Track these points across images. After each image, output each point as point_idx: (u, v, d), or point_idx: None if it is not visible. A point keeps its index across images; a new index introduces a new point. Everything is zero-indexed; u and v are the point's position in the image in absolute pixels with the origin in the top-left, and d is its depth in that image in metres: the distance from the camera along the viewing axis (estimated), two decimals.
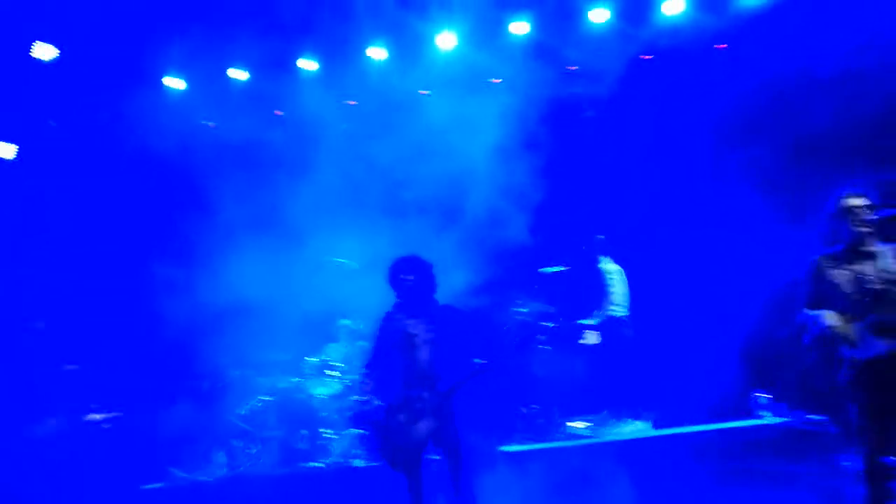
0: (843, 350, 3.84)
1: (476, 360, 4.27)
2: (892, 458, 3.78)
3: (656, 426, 6.88)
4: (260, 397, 7.11)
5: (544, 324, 6.82)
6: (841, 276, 3.92)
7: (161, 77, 7.94)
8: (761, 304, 7.06)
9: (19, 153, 7.41)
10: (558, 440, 6.61)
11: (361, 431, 6.65)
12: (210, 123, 8.06)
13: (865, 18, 6.82)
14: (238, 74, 8.05)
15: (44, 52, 7.03)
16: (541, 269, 7.33)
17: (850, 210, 3.91)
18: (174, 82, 8.00)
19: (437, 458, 4.38)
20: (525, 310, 6.73)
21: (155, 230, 7.94)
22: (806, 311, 4.06)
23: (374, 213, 7.21)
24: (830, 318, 3.89)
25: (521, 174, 6.99)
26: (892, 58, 6.59)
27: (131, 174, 7.88)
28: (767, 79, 7.31)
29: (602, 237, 7.23)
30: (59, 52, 7.08)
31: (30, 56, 6.97)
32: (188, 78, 8.03)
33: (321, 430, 6.82)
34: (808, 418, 5.65)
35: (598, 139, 7.81)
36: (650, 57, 7.76)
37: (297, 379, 7.13)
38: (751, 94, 7.40)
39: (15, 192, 7.59)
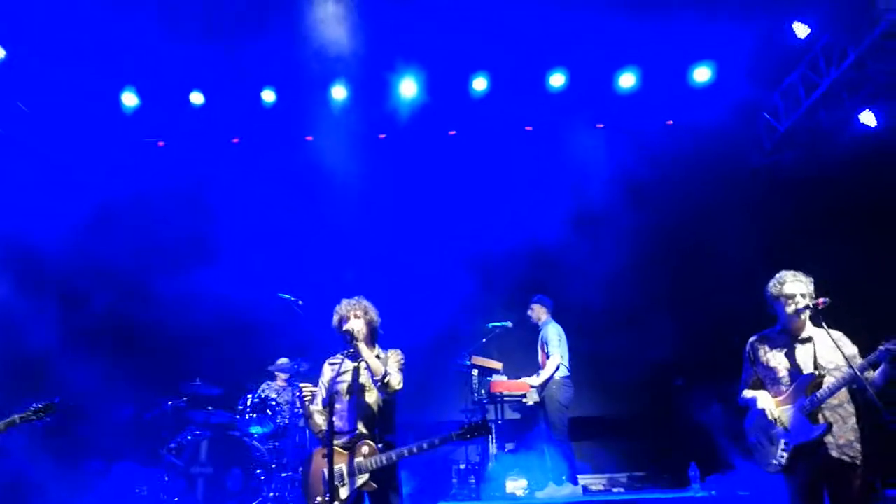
0: (779, 433, 3.89)
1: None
2: None
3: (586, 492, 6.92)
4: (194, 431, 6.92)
5: None
6: (776, 359, 4.00)
7: None
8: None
9: None
10: (495, 499, 6.58)
11: (295, 474, 6.50)
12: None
13: None
14: None
15: None
16: (488, 324, 7.40)
17: (788, 295, 3.94)
18: None
19: None
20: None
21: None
22: (743, 392, 4.16)
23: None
24: (765, 401, 3.98)
25: None
26: None
27: None
28: None
29: (547, 298, 7.35)
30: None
31: None
32: None
33: (254, 470, 6.63)
34: (738, 494, 5.76)
35: None
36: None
37: (233, 415, 6.96)
38: None
39: None
